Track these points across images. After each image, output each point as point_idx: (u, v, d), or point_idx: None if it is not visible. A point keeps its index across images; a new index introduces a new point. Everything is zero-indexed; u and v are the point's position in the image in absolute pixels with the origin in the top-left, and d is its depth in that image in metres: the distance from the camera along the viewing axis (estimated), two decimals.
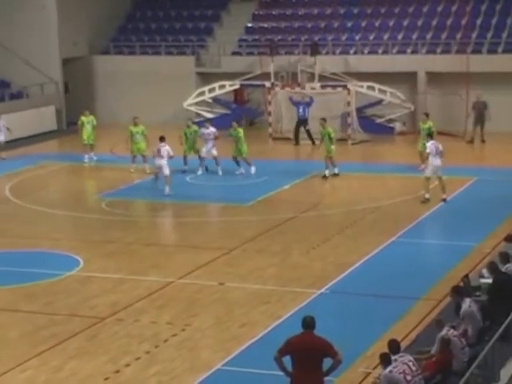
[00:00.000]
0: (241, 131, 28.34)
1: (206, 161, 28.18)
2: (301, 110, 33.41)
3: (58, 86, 38.28)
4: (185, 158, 28.33)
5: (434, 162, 23.74)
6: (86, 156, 30.57)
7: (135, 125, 28.93)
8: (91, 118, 31.07)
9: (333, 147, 27.06)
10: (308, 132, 33.22)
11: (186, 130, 28.68)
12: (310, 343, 11.10)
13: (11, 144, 33.21)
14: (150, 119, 37.09)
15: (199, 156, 28.23)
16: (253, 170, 28.04)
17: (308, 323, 11.22)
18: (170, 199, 25.19)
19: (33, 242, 21.48)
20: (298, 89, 34.63)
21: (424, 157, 26.40)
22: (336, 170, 27.27)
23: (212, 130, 28.38)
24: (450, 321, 13.52)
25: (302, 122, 33.34)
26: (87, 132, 30.65)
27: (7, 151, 32.32)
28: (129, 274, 18.83)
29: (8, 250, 20.88)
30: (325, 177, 27.02)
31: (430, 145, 23.95)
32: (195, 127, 28.99)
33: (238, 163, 28.11)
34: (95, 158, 30.66)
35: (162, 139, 26.07)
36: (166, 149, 25.77)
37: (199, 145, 28.61)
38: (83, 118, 30.91)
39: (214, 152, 28.10)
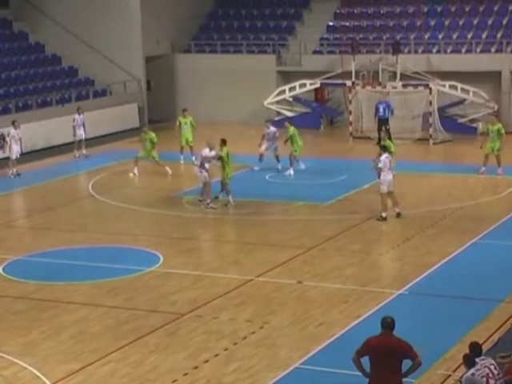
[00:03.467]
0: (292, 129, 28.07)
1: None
2: (381, 110, 33.13)
3: (141, 84, 38.76)
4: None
5: (388, 176, 22.40)
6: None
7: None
8: (189, 118, 30.42)
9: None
10: (388, 131, 32.93)
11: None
12: (388, 344, 11.00)
13: (94, 141, 33.83)
14: (231, 117, 37.42)
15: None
16: (290, 172, 27.81)
17: (388, 324, 11.11)
18: (249, 197, 25.26)
19: (114, 237, 21.81)
20: (378, 88, 34.41)
21: (486, 160, 26.21)
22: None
23: (272, 129, 28.42)
24: None
25: (383, 121, 33.05)
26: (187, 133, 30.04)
27: (91, 148, 32.94)
28: (207, 271, 18.97)
29: (90, 246, 21.25)
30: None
31: (385, 159, 22.47)
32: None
33: (291, 162, 27.97)
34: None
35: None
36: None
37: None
38: (181, 119, 30.37)
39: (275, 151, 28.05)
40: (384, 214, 22.50)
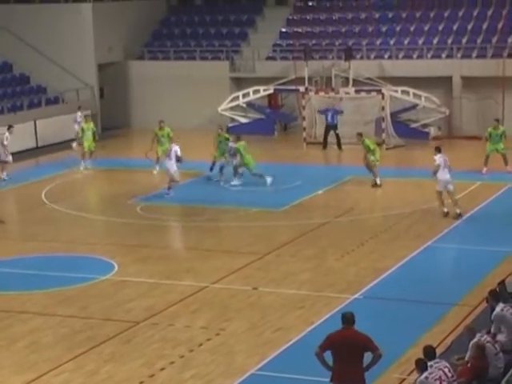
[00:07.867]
0: None
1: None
2: (329, 118, 33.27)
3: (94, 92, 38.54)
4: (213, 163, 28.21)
5: (444, 176, 22.60)
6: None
7: (160, 128, 29.31)
8: (91, 125, 31.11)
9: (373, 158, 26.53)
10: (337, 136, 33.15)
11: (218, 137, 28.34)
12: (350, 338, 11.28)
13: (47, 149, 33.61)
14: (185, 124, 37.27)
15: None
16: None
17: (348, 319, 11.45)
18: (204, 203, 25.23)
19: (68, 246, 21.63)
20: (331, 93, 34.59)
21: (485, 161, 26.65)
22: (378, 181, 26.73)
23: (233, 144, 27.15)
24: (485, 327, 13.40)
25: (331, 127, 33.25)
26: (88, 139, 30.67)
27: (44, 156, 32.73)
28: (163, 279, 18.90)
29: (44, 254, 21.04)
30: (376, 185, 26.74)
31: (439, 158, 22.70)
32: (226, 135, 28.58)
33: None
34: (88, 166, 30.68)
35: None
36: (174, 150, 26.02)
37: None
38: (84, 126, 31.07)
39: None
40: (445, 209, 22.77)
